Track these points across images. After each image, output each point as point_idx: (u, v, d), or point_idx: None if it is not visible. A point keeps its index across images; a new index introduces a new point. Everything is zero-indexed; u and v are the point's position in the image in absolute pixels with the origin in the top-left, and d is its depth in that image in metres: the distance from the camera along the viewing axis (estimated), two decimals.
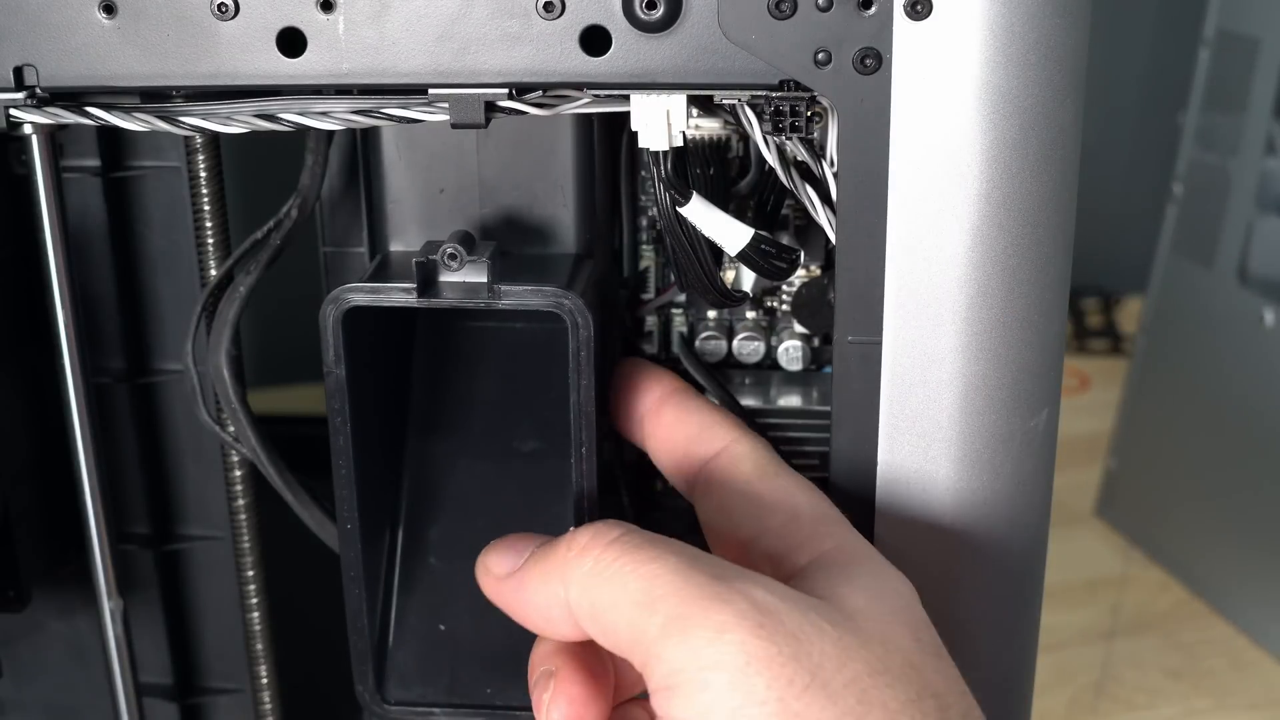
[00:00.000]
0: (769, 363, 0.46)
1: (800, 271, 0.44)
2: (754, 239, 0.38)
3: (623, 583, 0.32)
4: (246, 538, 0.49)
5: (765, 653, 0.30)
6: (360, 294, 0.39)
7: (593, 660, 0.36)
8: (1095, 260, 1.32)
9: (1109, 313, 1.41)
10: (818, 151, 0.38)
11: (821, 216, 0.38)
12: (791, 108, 0.36)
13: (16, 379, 0.46)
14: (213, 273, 0.45)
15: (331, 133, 0.42)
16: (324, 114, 0.37)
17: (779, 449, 0.43)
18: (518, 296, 0.39)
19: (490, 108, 0.36)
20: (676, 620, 0.31)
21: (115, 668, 0.46)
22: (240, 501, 0.48)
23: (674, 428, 0.41)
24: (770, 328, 0.46)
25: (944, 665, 0.33)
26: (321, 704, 0.54)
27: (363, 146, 0.43)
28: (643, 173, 0.45)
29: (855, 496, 0.39)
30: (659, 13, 0.35)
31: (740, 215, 0.39)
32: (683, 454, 0.41)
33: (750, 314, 0.46)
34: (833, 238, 0.37)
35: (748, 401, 0.44)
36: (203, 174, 0.44)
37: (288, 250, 0.43)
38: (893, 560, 0.38)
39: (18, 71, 0.37)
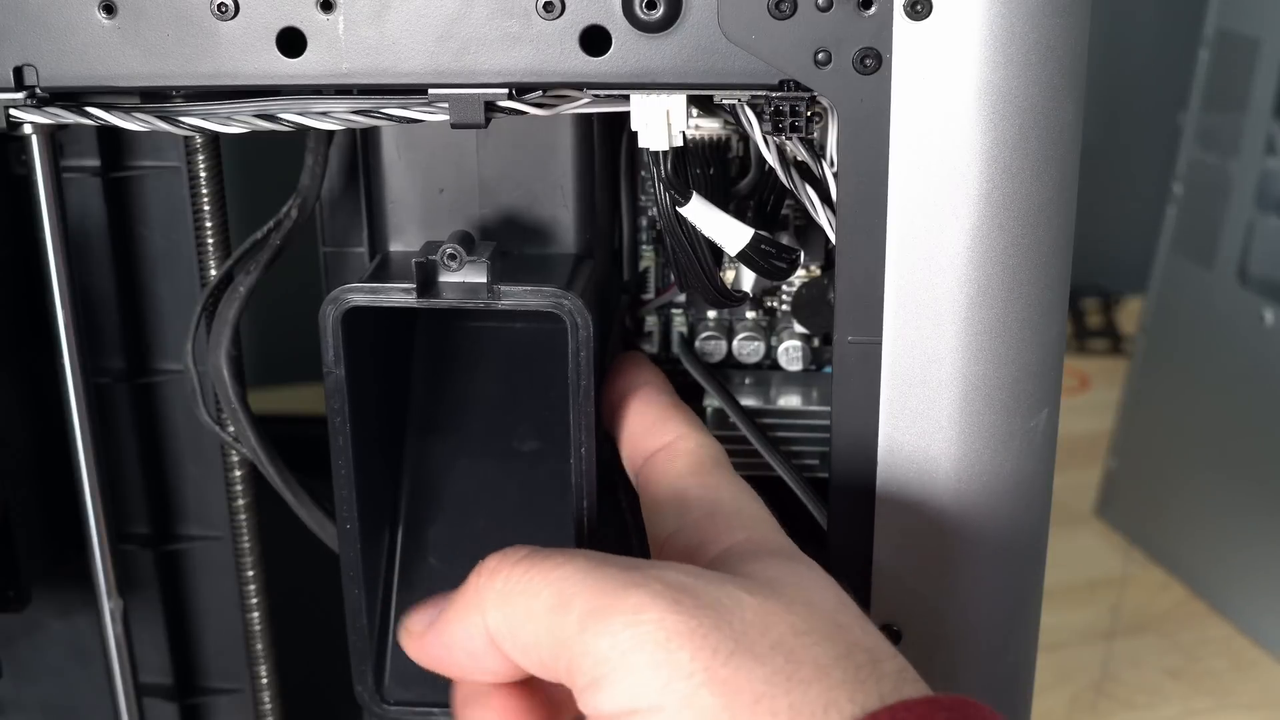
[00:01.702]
0: (769, 363, 0.46)
1: (800, 271, 0.44)
2: (754, 239, 0.38)
3: (535, 593, 0.32)
4: (246, 538, 0.49)
5: (685, 626, 0.30)
6: (360, 294, 0.39)
7: (524, 699, 0.35)
8: (1095, 260, 1.32)
9: (1109, 313, 1.41)
10: (818, 151, 0.38)
11: (821, 216, 0.38)
12: (791, 108, 0.36)
13: (16, 379, 0.46)
14: (213, 273, 0.45)
15: (331, 133, 0.42)
16: (324, 114, 0.37)
17: (779, 449, 0.43)
18: (517, 297, 0.39)
19: (490, 108, 0.36)
20: (592, 613, 0.31)
21: (115, 668, 0.46)
22: (240, 501, 0.48)
23: (631, 420, 0.41)
24: (770, 328, 0.46)
25: (870, 627, 0.32)
26: (321, 704, 0.54)
27: (363, 146, 0.43)
28: (643, 173, 0.45)
29: (855, 497, 0.39)
30: (659, 13, 0.35)
31: (740, 215, 0.39)
32: (633, 447, 0.41)
33: (750, 314, 0.46)
34: (833, 238, 0.37)
35: (748, 401, 0.44)
36: (203, 174, 0.44)
37: (288, 250, 0.43)
38: (893, 560, 0.38)
39: (18, 71, 0.37)
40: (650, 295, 0.46)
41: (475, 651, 0.34)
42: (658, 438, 0.40)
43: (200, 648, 0.51)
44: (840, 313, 0.37)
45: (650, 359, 0.45)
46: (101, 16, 0.37)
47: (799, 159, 0.38)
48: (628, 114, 0.37)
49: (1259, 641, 0.91)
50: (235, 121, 0.38)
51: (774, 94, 0.36)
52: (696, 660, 0.30)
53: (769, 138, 0.37)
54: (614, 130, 0.44)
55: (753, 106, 0.37)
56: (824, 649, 0.30)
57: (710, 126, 0.40)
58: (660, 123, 0.36)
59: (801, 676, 0.30)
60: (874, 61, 0.35)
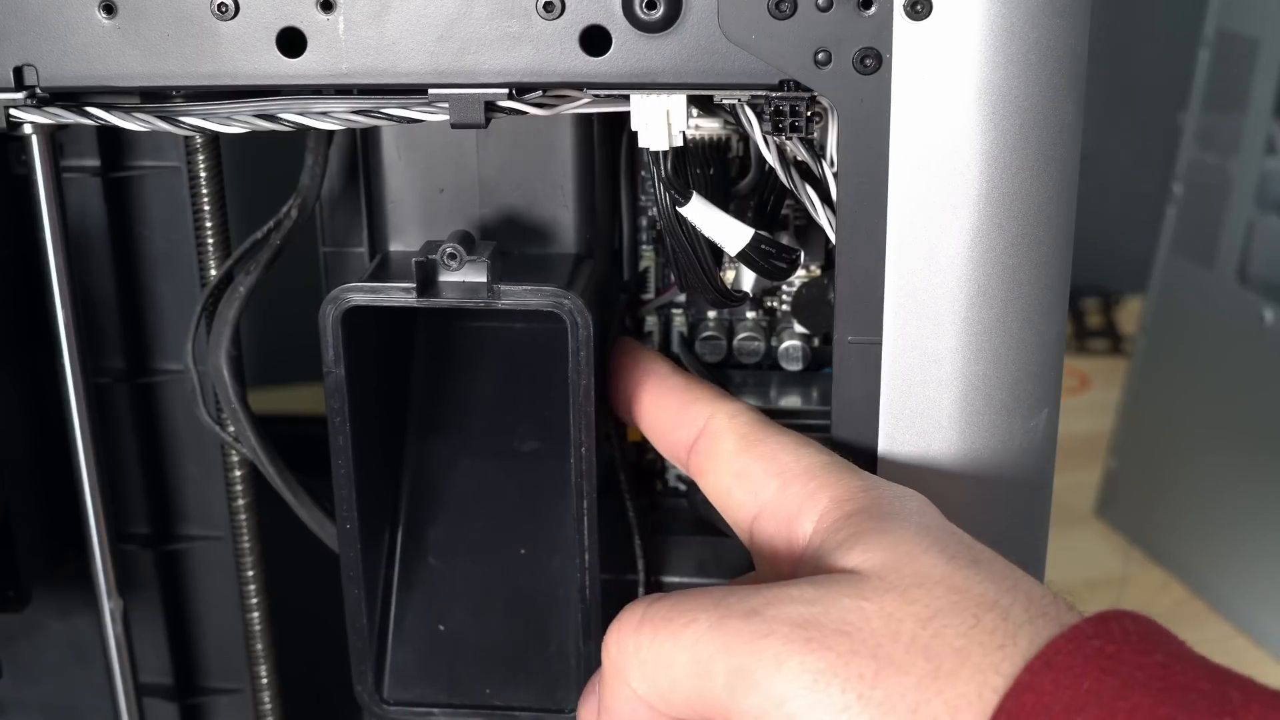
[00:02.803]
0: (769, 363, 0.46)
1: (800, 271, 0.44)
2: (754, 239, 0.38)
3: (670, 660, 0.32)
4: (246, 538, 0.49)
5: (825, 661, 0.30)
6: (360, 294, 0.39)
7: None
8: (1095, 260, 1.32)
9: (1109, 313, 1.41)
10: (818, 151, 0.38)
11: (821, 216, 0.38)
12: (791, 108, 0.36)
13: (16, 379, 0.46)
14: (213, 273, 0.45)
15: (331, 133, 0.42)
16: (324, 114, 0.37)
17: None
18: (517, 296, 0.39)
19: (490, 108, 0.36)
20: (736, 674, 0.31)
21: (115, 668, 0.46)
22: (240, 501, 0.48)
23: (655, 415, 0.40)
24: (770, 328, 0.46)
25: (983, 570, 0.32)
26: (321, 704, 0.54)
27: (363, 146, 0.43)
28: (643, 173, 0.45)
29: None
30: (659, 13, 0.35)
31: (740, 215, 0.39)
32: (669, 441, 0.40)
33: (750, 314, 0.46)
34: (833, 238, 0.37)
35: (747, 401, 0.44)
36: (203, 174, 0.44)
37: (288, 250, 0.43)
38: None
39: (18, 71, 0.37)
40: (650, 295, 0.46)
41: (642, 717, 0.34)
42: (690, 425, 0.39)
43: (200, 648, 0.51)
44: (840, 313, 0.37)
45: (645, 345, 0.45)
46: (101, 16, 0.37)
47: (799, 159, 0.38)
48: (628, 114, 0.37)
49: (1259, 641, 0.91)
50: (235, 121, 0.38)
51: (774, 94, 0.36)
52: (848, 691, 0.30)
53: (769, 138, 0.37)
54: (614, 130, 0.44)
55: (753, 106, 0.37)
56: (955, 629, 0.30)
57: (710, 126, 0.40)
58: (660, 123, 0.36)
59: (946, 669, 0.30)
60: (874, 61, 0.35)
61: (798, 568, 0.35)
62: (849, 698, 0.30)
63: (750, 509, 0.37)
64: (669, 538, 0.46)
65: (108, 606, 0.45)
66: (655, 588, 0.46)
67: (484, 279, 0.39)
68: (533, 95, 0.37)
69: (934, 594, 0.31)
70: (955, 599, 0.31)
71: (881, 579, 0.32)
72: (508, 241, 0.42)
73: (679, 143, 0.37)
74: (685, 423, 0.39)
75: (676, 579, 0.46)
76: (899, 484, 0.36)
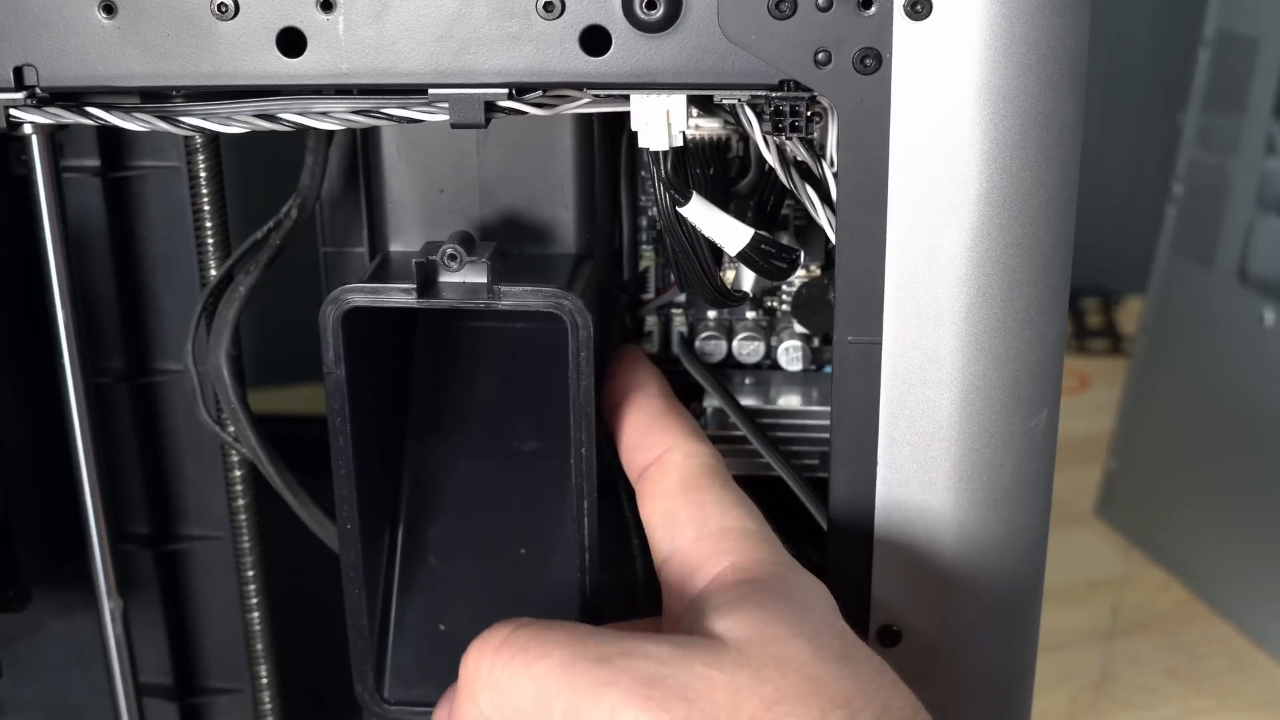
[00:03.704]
0: (769, 363, 0.46)
1: (800, 271, 0.44)
2: (754, 239, 0.38)
3: (518, 689, 0.33)
4: (246, 538, 0.49)
5: None
6: (360, 294, 0.39)
7: None
8: (1095, 260, 1.32)
9: (1109, 313, 1.41)
10: (818, 151, 0.38)
11: (821, 216, 0.38)
12: (791, 108, 0.36)
13: (16, 379, 0.46)
14: (213, 273, 0.45)
15: (331, 133, 0.42)
16: (324, 114, 0.37)
17: (779, 449, 0.43)
18: (517, 297, 0.39)
19: (490, 108, 0.36)
20: (572, 714, 0.32)
21: (115, 668, 0.46)
22: (240, 501, 0.48)
23: (626, 430, 0.41)
24: (770, 328, 0.46)
25: (849, 668, 0.32)
26: (321, 704, 0.54)
27: (363, 146, 0.43)
28: (643, 173, 0.45)
29: (855, 497, 0.39)
30: (659, 13, 0.35)
31: (740, 215, 0.39)
32: (629, 459, 0.41)
33: (750, 314, 0.46)
34: (833, 238, 0.37)
35: (748, 401, 0.44)
36: (203, 174, 0.44)
37: (288, 250, 0.43)
38: (893, 560, 0.38)
39: (18, 71, 0.37)
40: (650, 295, 0.46)
41: None
42: (649, 450, 0.40)
43: (200, 648, 0.51)
44: (840, 313, 0.37)
45: (647, 357, 0.45)
46: (101, 16, 0.37)
47: (799, 159, 0.38)
48: (628, 114, 0.37)
49: (1259, 641, 0.91)
50: (235, 121, 0.38)
51: (774, 94, 0.36)
52: None
53: (769, 138, 0.37)
54: (614, 130, 0.44)
55: (753, 106, 0.37)
56: (797, 718, 0.31)
57: (710, 126, 0.40)
58: (660, 123, 0.36)
59: None
60: (874, 61, 0.35)
61: (682, 621, 0.36)
62: None
63: (665, 550, 0.38)
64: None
65: (108, 606, 0.45)
66: (653, 588, 0.46)
67: (484, 280, 0.39)
68: (533, 95, 0.37)
69: (788, 679, 0.31)
70: (807, 689, 0.31)
71: (740, 652, 0.32)
72: (508, 242, 0.42)
73: (679, 143, 0.37)
74: (646, 445, 0.40)
75: None
76: (806, 574, 0.36)
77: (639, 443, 0.40)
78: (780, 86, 0.36)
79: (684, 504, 0.38)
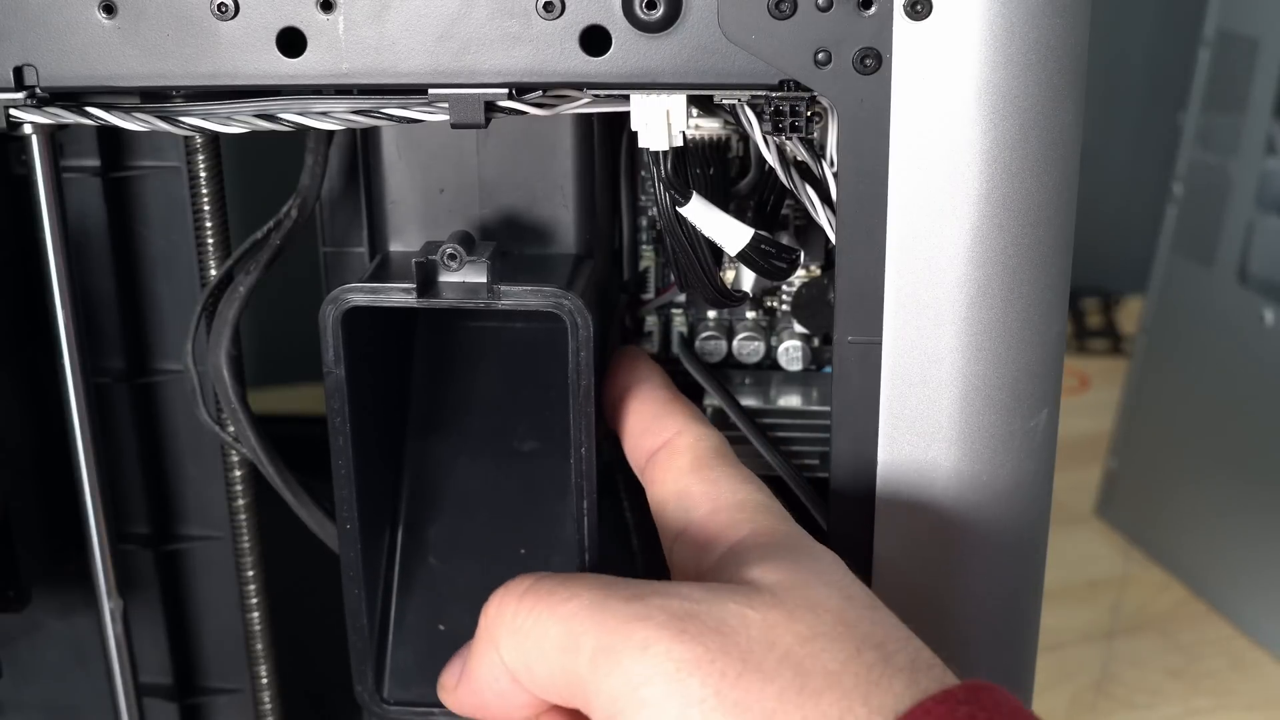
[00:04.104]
0: (769, 363, 0.46)
1: (800, 271, 0.44)
2: (754, 239, 0.38)
3: (544, 631, 0.33)
4: (246, 538, 0.49)
5: (692, 653, 0.30)
6: (360, 294, 0.39)
7: None
8: (1095, 260, 1.32)
9: (1109, 313, 1.41)
10: (818, 151, 0.38)
11: (821, 216, 0.38)
12: (791, 108, 0.36)
13: (16, 379, 0.46)
14: (213, 273, 0.45)
15: (331, 133, 0.42)
16: (324, 114, 0.37)
17: (779, 449, 0.43)
18: (517, 297, 0.39)
19: (490, 108, 0.36)
20: (601, 651, 0.31)
21: (115, 668, 0.46)
22: (240, 501, 0.48)
23: (631, 419, 0.41)
24: (770, 328, 0.46)
25: (880, 615, 0.32)
26: (321, 704, 0.54)
27: (363, 146, 0.43)
28: (643, 173, 0.45)
29: (855, 497, 0.39)
30: (659, 13, 0.35)
31: (740, 215, 0.39)
32: (634, 445, 0.40)
33: (750, 314, 0.46)
34: (833, 238, 0.37)
35: (748, 401, 0.44)
36: (203, 174, 0.44)
37: (288, 250, 0.43)
38: (893, 561, 0.38)
39: (18, 71, 0.37)
40: (650, 295, 0.46)
41: (503, 691, 0.34)
42: (657, 435, 0.40)
43: (200, 648, 0.51)
44: (840, 313, 0.37)
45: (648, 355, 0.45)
46: (101, 16, 0.37)
47: (799, 159, 0.38)
48: (628, 114, 0.37)
49: (1259, 641, 0.91)
50: (235, 121, 0.38)
51: (774, 94, 0.36)
52: (706, 686, 0.30)
53: (769, 138, 0.37)
54: (614, 130, 0.44)
55: (753, 106, 0.37)
56: (832, 654, 0.30)
57: (710, 126, 0.40)
58: (660, 123, 0.36)
59: (813, 687, 0.30)
60: (874, 61, 0.35)
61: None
62: (706, 691, 0.30)
63: (677, 526, 0.37)
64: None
65: (108, 606, 0.45)
66: None
67: (484, 279, 0.39)
68: (533, 95, 0.37)
69: (821, 619, 0.31)
70: (841, 629, 0.31)
71: (774, 594, 0.32)
72: (508, 242, 0.42)
73: (679, 143, 0.37)
74: (654, 431, 0.40)
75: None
76: (823, 546, 0.36)
77: (647, 428, 0.40)
78: (780, 86, 0.36)
79: (697, 481, 0.38)
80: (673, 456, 0.39)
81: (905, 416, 0.38)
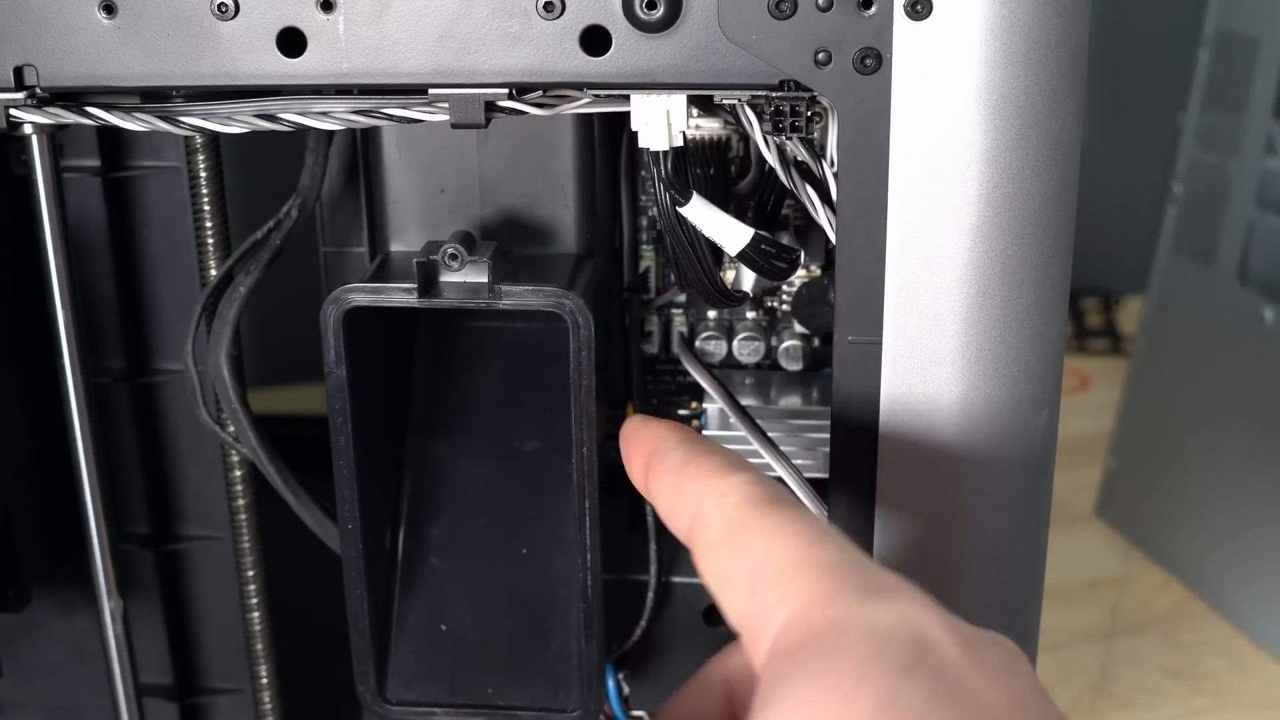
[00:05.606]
0: (769, 363, 0.46)
1: (800, 271, 0.44)
2: (754, 239, 0.38)
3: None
4: (246, 538, 0.49)
5: None
6: (361, 294, 0.39)
7: None
8: (1095, 260, 1.32)
9: (1109, 313, 1.41)
10: (818, 151, 0.38)
11: (821, 216, 0.38)
12: (791, 108, 0.36)
13: (16, 379, 0.46)
14: (213, 273, 0.45)
15: (331, 133, 0.42)
16: (324, 114, 0.37)
17: (779, 449, 0.43)
18: (518, 296, 0.39)
19: (490, 108, 0.36)
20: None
21: (115, 668, 0.46)
22: (240, 501, 0.48)
23: (658, 501, 0.36)
24: (770, 328, 0.46)
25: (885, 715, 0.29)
26: (321, 704, 0.54)
27: (363, 146, 0.43)
28: (643, 173, 0.45)
29: (855, 497, 0.39)
30: (659, 13, 0.35)
31: (740, 215, 0.39)
32: (674, 529, 0.36)
33: (750, 314, 0.46)
34: (833, 238, 0.37)
35: (748, 401, 0.44)
36: (203, 174, 0.44)
37: (288, 250, 0.43)
38: (893, 561, 0.38)
39: (18, 71, 0.37)
40: (650, 295, 0.46)
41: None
42: (683, 514, 0.35)
43: (200, 648, 0.51)
44: (840, 313, 0.37)
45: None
46: (101, 16, 0.37)
47: (799, 159, 0.38)
48: (628, 114, 0.37)
49: (1259, 641, 0.91)
50: (235, 121, 0.38)
51: (774, 94, 0.36)
52: None
53: (769, 138, 0.37)
54: (614, 130, 0.44)
55: (753, 106, 0.37)
56: None
57: (710, 126, 0.40)
58: (660, 123, 0.36)
59: None
60: (874, 61, 0.35)
61: (753, 701, 0.31)
62: None
63: (733, 618, 0.33)
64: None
65: (108, 606, 0.45)
66: (664, 588, 0.46)
67: (485, 279, 0.39)
68: (533, 95, 0.37)
69: None
70: None
71: None
72: (508, 242, 0.42)
73: (679, 143, 0.37)
74: (680, 511, 0.35)
75: (686, 579, 0.47)
76: (888, 573, 0.32)
77: (672, 512, 0.36)
78: (780, 86, 0.36)
79: (731, 555, 0.33)
80: (704, 532, 0.34)
81: (905, 417, 0.38)
